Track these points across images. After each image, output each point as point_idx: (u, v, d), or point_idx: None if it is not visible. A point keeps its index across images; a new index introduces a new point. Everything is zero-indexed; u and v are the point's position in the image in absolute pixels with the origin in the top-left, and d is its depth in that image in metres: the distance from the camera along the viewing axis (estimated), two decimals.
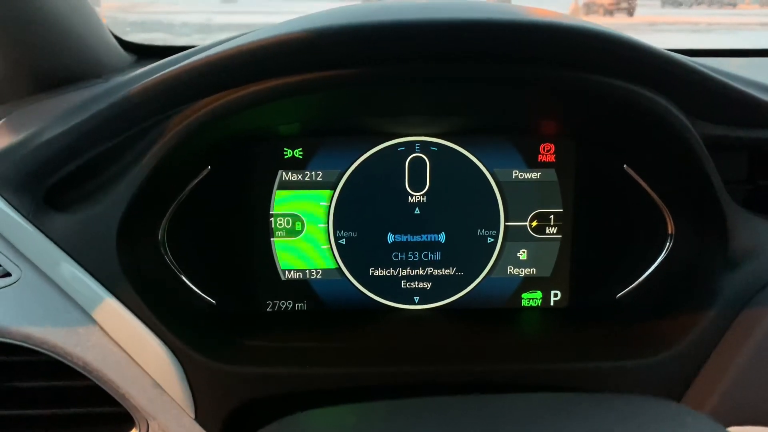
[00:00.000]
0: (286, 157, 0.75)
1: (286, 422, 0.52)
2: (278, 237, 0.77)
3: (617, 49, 0.57)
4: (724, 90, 0.63)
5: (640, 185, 0.73)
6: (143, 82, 0.61)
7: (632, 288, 0.75)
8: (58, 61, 0.83)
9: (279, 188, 0.76)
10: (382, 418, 0.51)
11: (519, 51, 0.58)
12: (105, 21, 1.03)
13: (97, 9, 0.95)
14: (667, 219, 0.72)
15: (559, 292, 0.79)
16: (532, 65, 0.59)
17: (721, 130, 0.66)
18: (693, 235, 0.70)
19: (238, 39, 0.61)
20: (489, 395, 0.53)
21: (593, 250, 0.78)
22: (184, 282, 0.72)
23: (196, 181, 0.71)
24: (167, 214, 0.70)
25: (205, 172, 0.72)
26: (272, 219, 0.77)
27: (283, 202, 0.76)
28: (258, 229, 0.77)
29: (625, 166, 0.73)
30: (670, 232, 0.72)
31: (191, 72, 0.59)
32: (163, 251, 0.70)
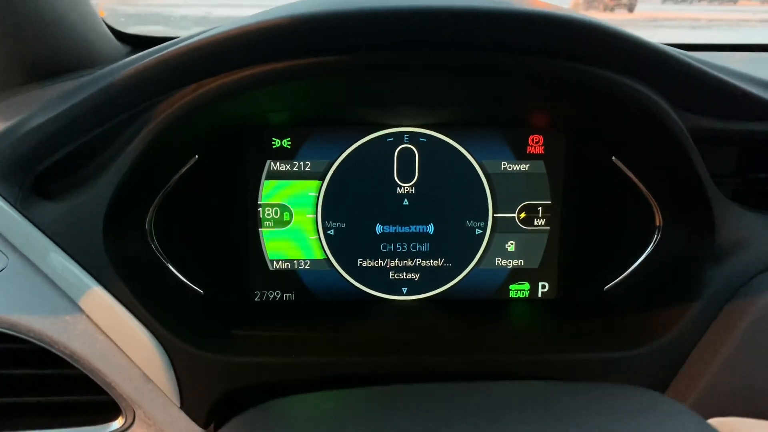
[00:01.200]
0: (274, 146, 0.75)
1: (263, 408, 0.52)
2: (266, 227, 0.77)
3: (605, 39, 0.57)
4: (713, 82, 0.63)
5: (628, 177, 0.73)
6: (129, 68, 0.61)
7: (620, 280, 0.75)
8: (50, 51, 0.83)
9: (267, 178, 0.76)
10: (359, 403, 0.51)
11: (506, 40, 0.58)
12: (103, 13, 1.03)
13: (95, 0, 0.94)
14: (655, 211, 0.72)
15: (546, 284, 0.79)
16: (519, 55, 0.59)
17: (709, 123, 0.66)
18: (681, 227, 0.70)
19: (225, 25, 0.61)
20: (471, 383, 0.53)
21: (581, 242, 0.78)
22: (172, 271, 0.72)
23: (183, 170, 0.71)
24: (154, 203, 0.70)
25: (192, 161, 0.71)
26: (260, 209, 0.76)
27: (272, 192, 0.76)
28: (246, 219, 0.77)
29: (613, 158, 0.73)
30: (657, 224, 0.72)
31: (176, 58, 0.59)
32: (150, 240, 0.70)
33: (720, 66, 0.66)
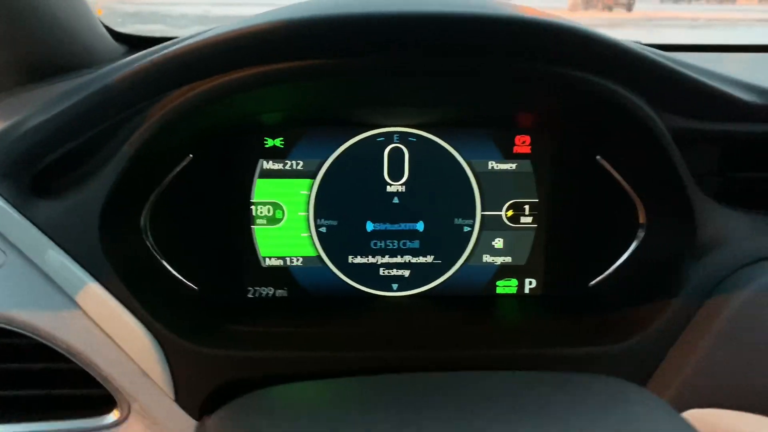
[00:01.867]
0: (267, 146, 0.77)
1: (250, 397, 0.54)
2: (259, 225, 0.79)
3: (580, 41, 0.59)
4: (690, 83, 0.65)
5: (612, 176, 0.74)
6: (124, 70, 0.62)
7: (604, 277, 0.77)
8: (47, 52, 0.85)
9: (260, 177, 0.77)
10: (340, 393, 0.53)
11: (485, 44, 0.60)
12: (101, 12, 1.04)
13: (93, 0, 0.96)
14: (639, 209, 0.74)
15: (533, 280, 0.81)
16: (499, 59, 0.61)
17: (689, 123, 0.67)
18: (663, 225, 0.72)
19: (219, 28, 0.63)
20: (453, 373, 0.55)
21: (567, 239, 0.79)
22: (167, 268, 0.74)
23: (178, 169, 0.72)
24: (149, 201, 0.71)
25: (187, 161, 0.73)
26: (253, 207, 0.78)
27: (264, 191, 0.78)
28: (239, 217, 0.78)
29: (597, 157, 0.74)
30: (641, 222, 0.74)
31: (170, 61, 0.60)
32: (145, 237, 0.72)
33: (698, 67, 0.68)
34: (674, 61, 0.66)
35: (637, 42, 0.71)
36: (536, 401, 0.48)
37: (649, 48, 0.67)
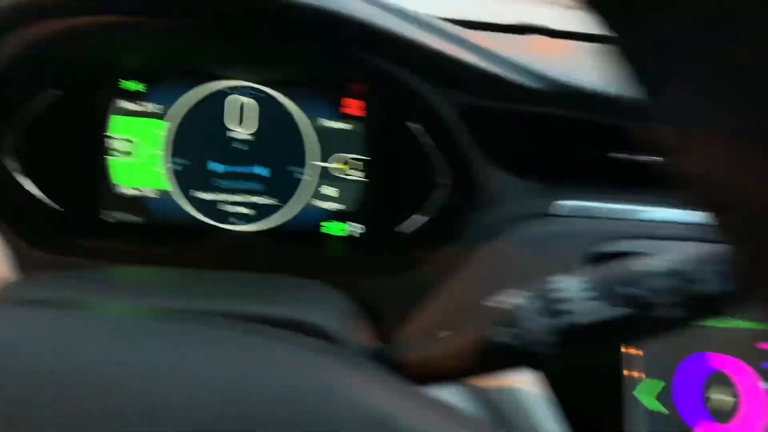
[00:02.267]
0: (123, 87, 0.87)
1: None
2: (115, 158, 0.89)
3: (351, 24, 0.71)
4: (466, 67, 0.77)
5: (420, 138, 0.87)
6: None
7: (409, 223, 0.90)
8: None
9: (115, 114, 0.88)
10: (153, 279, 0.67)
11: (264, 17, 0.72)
12: None
13: None
14: (440, 168, 0.87)
15: (358, 225, 0.94)
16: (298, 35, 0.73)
17: (476, 101, 0.80)
18: (455, 184, 0.86)
19: None
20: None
21: (386, 190, 0.92)
22: (28, 189, 0.84)
23: (39, 99, 0.82)
24: (13, 127, 0.81)
25: (49, 93, 0.83)
26: (109, 142, 0.88)
27: (120, 128, 0.88)
28: (96, 150, 0.88)
29: (408, 123, 0.87)
30: (440, 180, 0.87)
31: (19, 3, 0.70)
32: (10, 158, 0.82)
33: (490, 52, 0.80)
34: (469, 45, 0.78)
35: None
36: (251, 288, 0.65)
37: (454, 33, 0.79)
